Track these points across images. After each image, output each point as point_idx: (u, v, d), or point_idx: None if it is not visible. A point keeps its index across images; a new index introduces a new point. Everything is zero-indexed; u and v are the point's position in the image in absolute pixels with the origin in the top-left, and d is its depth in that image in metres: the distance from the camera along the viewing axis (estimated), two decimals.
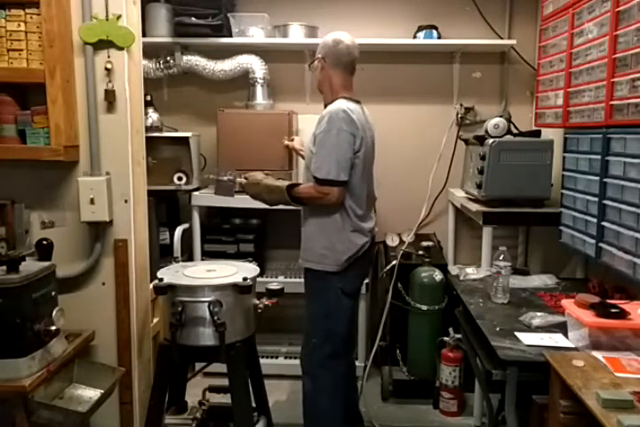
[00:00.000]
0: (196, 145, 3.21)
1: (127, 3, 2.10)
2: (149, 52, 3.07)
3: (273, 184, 2.25)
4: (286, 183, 2.23)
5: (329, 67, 2.26)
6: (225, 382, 2.07)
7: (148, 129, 2.81)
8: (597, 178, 2.23)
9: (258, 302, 2.12)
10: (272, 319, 3.15)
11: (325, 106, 2.27)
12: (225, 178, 2.41)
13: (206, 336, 1.97)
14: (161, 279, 1.99)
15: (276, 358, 3.31)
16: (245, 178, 2.33)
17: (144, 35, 2.63)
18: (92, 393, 2.01)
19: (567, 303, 1.85)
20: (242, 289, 1.98)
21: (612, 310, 1.71)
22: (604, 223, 2.19)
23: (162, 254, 3.06)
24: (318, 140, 2.15)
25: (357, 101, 2.29)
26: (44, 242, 2.01)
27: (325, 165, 2.12)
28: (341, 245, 2.20)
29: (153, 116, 3.16)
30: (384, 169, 3.02)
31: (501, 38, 3.37)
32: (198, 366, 2.39)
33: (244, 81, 3.38)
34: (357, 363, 2.67)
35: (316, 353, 2.26)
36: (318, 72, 2.30)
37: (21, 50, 1.98)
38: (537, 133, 2.85)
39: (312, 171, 2.15)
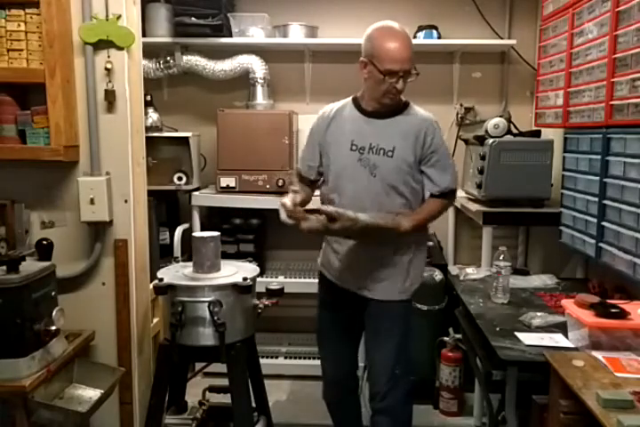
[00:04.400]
0: (195, 145, 3.21)
1: (127, 3, 2.10)
2: (149, 52, 3.07)
3: (376, 224, 1.93)
4: (397, 220, 1.97)
5: None
6: (225, 382, 2.07)
7: (148, 129, 2.81)
8: (597, 178, 2.23)
9: (258, 302, 2.11)
10: (272, 319, 3.15)
11: (389, 111, 2.03)
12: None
13: (206, 336, 1.97)
14: (161, 279, 1.99)
15: (276, 358, 3.31)
16: (335, 218, 1.86)
17: (144, 35, 2.63)
18: (92, 393, 2.01)
19: (567, 303, 1.85)
20: (242, 289, 1.98)
21: (612, 310, 1.71)
22: (604, 223, 2.19)
23: (162, 254, 3.06)
24: (442, 152, 2.05)
25: None
26: (44, 242, 2.01)
27: (455, 176, 2.10)
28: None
29: (153, 116, 3.16)
30: None
31: (501, 38, 3.37)
32: (198, 366, 2.39)
33: (244, 81, 3.38)
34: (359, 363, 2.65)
35: (398, 388, 2.07)
36: (410, 80, 2.01)
37: (21, 50, 1.98)
38: (537, 133, 2.86)
39: (448, 184, 2.05)
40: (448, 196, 2.10)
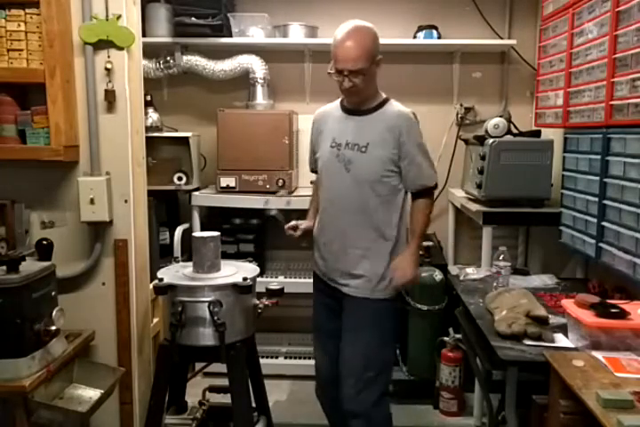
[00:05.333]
0: (195, 145, 3.21)
1: (127, 3, 2.10)
2: (149, 52, 3.07)
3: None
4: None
5: (378, 63, 2.02)
6: (225, 382, 2.07)
7: (148, 129, 2.81)
8: (597, 178, 2.23)
9: (258, 302, 2.12)
10: (272, 319, 3.15)
11: (366, 108, 2.07)
12: None
13: (206, 336, 1.97)
14: (161, 279, 1.99)
15: (276, 358, 3.31)
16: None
17: (144, 35, 2.63)
18: (91, 393, 2.01)
19: (567, 303, 1.85)
20: (242, 289, 1.98)
21: (612, 310, 1.71)
22: (604, 223, 2.19)
23: (162, 254, 3.06)
24: (420, 149, 2.05)
25: None
26: (44, 242, 2.01)
27: (433, 171, 2.10)
28: None
29: (153, 116, 3.16)
30: None
31: (501, 38, 3.37)
32: (198, 366, 2.39)
33: (244, 81, 3.38)
34: None
35: (370, 390, 2.06)
36: (371, 74, 2.01)
37: (21, 50, 1.98)
38: (537, 133, 2.86)
39: (424, 181, 2.08)
40: (424, 194, 2.10)
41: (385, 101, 2.09)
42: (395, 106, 2.09)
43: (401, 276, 2.05)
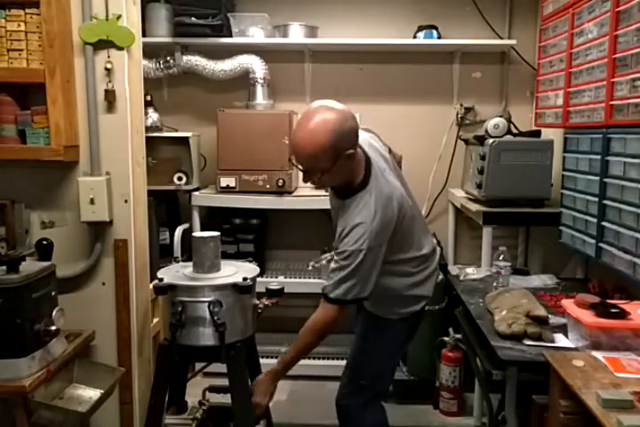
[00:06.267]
0: (196, 145, 3.21)
1: (127, 3, 2.09)
2: (149, 52, 3.07)
3: None
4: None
5: (352, 157, 1.76)
6: (225, 382, 2.07)
7: (148, 129, 2.81)
8: (597, 178, 2.23)
9: (258, 302, 2.11)
10: (272, 319, 3.14)
11: (341, 194, 1.89)
12: None
13: (206, 336, 1.97)
14: (161, 279, 1.98)
15: (276, 358, 3.29)
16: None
17: (144, 35, 2.63)
18: (91, 393, 2.01)
19: (567, 303, 1.85)
20: (242, 289, 1.98)
21: (612, 310, 1.71)
22: (604, 223, 2.19)
23: (162, 254, 3.06)
24: (343, 258, 1.79)
25: (367, 160, 1.85)
26: (44, 242, 2.00)
27: (338, 287, 1.83)
28: None
29: (153, 116, 3.16)
30: None
31: (501, 38, 3.37)
32: (198, 366, 2.39)
33: (244, 81, 3.38)
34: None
35: (360, 395, 2.08)
36: (342, 173, 1.78)
37: (21, 50, 1.97)
38: (537, 133, 2.86)
39: (327, 287, 1.86)
40: (324, 301, 1.87)
41: (359, 188, 1.82)
42: (362, 201, 1.80)
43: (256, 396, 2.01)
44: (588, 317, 1.71)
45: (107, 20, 2.05)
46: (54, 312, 1.87)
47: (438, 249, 2.18)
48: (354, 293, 1.82)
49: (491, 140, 2.73)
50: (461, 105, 3.44)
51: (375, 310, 2.06)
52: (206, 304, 1.93)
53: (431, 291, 2.08)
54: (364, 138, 1.92)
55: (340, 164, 1.73)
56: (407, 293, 2.01)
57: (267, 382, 2.04)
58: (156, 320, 2.46)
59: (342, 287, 1.81)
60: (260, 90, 3.32)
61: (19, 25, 1.97)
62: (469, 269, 2.68)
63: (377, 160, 1.90)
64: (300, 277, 3.29)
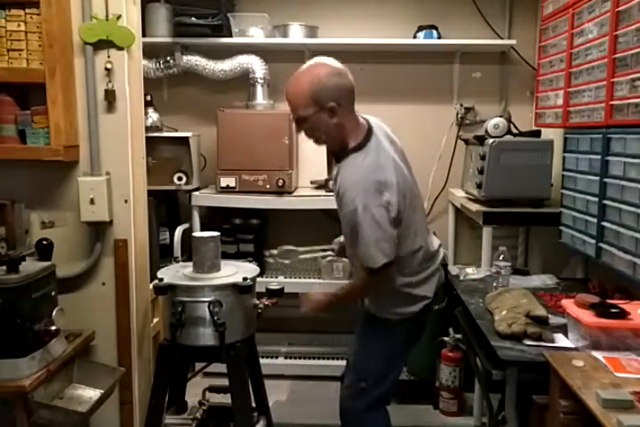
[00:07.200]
0: (196, 145, 3.21)
1: (127, 3, 2.10)
2: (149, 52, 3.07)
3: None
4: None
5: (343, 114, 1.82)
6: (225, 382, 2.07)
7: (147, 129, 2.81)
8: (597, 178, 2.23)
9: (258, 302, 2.12)
10: (272, 319, 3.15)
11: (338, 158, 1.93)
12: None
13: (206, 336, 1.97)
14: (161, 279, 1.99)
15: (276, 358, 3.31)
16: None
17: (144, 35, 2.63)
18: (92, 393, 2.01)
19: (567, 303, 1.85)
20: (242, 289, 1.98)
21: (612, 310, 1.71)
22: (604, 223, 2.19)
23: (162, 254, 3.06)
24: (356, 224, 1.79)
25: (368, 129, 1.92)
26: (44, 242, 2.01)
27: (369, 252, 1.81)
28: None
29: (153, 116, 3.15)
30: None
31: (501, 38, 3.37)
32: (198, 366, 2.39)
33: (244, 81, 3.38)
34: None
35: (362, 398, 2.06)
36: (328, 128, 1.84)
37: (21, 50, 1.98)
38: (537, 133, 2.86)
39: (366, 261, 1.84)
40: (372, 272, 1.84)
41: (353, 150, 1.86)
42: (353, 160, 1.84)
43: (303, 304, 2.07)
44: (587, 317, 1.71)
45: (107, 20, 2.05)
46: (54, 312, 1.87)
47: (442, 251, 2.19)
48: (381, 258, 1.80)
49: (491, 140, 2.73)
50: (461, 105, 3.43)
51: (374, 310, 2.05)
52: (206, 304, 1.94)
53: (432, 291, 2.06)
54: (379, 124, 2.01)
55: (321, 116, 1.81)
56: (405, 290, 2.00)
57: (319, 295, 2.04)
58: (156, 320, 2.46)
59: (371, 254, 1.80)
60: (259, 90, 3.32)
61: (19, 25, 1.97)
62: (469, 269, 2.68)
63: (383, 140, 1.93)
64: (299, 278, 3.28)
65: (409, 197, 1.92)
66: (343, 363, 2.29)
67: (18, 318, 1.76)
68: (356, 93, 1.91)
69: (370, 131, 1.92)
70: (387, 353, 2.05)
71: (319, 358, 3.30)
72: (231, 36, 3.25)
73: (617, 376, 1.52)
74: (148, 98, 3.07)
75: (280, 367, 3.22)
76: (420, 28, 3.29)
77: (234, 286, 1.98)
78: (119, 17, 2.06)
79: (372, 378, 2.05)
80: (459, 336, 2.75)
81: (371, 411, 2.07)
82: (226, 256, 3.16)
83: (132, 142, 2.16)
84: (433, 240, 2.16)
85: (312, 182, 3.28)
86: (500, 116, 2.87)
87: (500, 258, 2.36)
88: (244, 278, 1.99)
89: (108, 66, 2.07)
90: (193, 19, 3.13)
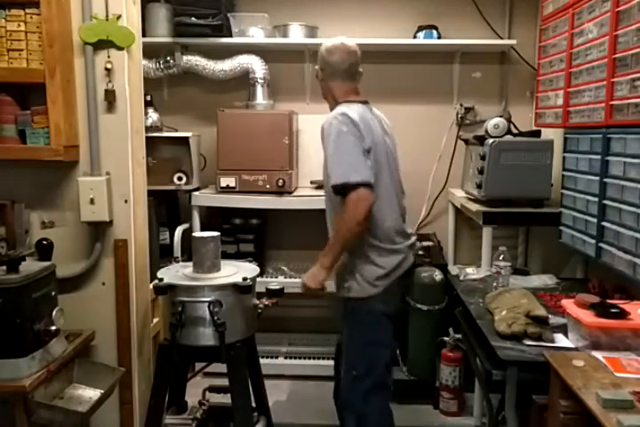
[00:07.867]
0: (195, 145, 3.21)
1: (127, 3, 2.10)
2: (149, 52, 3.07)
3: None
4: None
5: (327, 78, 2.20)
6: (225, 382, 2.07)
7: (147, 129, 2.81)
8: (597, 178, 2.23)
9: (258, 302, 2.12)
10: (272, 319, 3.15)
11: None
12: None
13: (206, 336, 1.97)
14: (161, 279, 1.99)
15: (276, 358, 3.31)
16: None
17: (144, 35, 2.63)
18: (91, 393, 2.01)
19: (567, 303, 1.85)
20: (242, 289, 1.98)
21: (612, 310, 1.71)
22: (604, 223, 2.19)
23: (162, 254, 3.06)
24: (328, 145, 2.03)
25: (364, 102, 2.19)
26: (44, 242, 2.01)
27: (339, 169, 1.98)
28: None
29: (153, 116, 3.16)
30: None
31: (501, 38, 3.37)
32: (198, 366, 2.39)
33: (244, 81, 3.38)
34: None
35: (356, 387, 2.12)
36: (320, 82, 2.25)
37: (21, 50, 1.98)
38: (537, 133, 2.85)
39: (335, 179, 1.98)
40: (341, 192, 1.98)
41: (339, 104, 2.15)
42: (338, 107, 2.13)
43: (302, 287, 2.13)
44: (587, 317, 1.71)
45: (107, 20, 2.05)
46: (54, 312, 1.87)
47: (417, 243, 2.34)
48: (352, 174, 1.95)
49: (491, 141, 2.73)
50: (461, 105, 3.44)
51: (347, 292, 2.11)
52: (206, 304, 1.94)
53: (393, 267, 2.11)
54: (380, 114, 2.28)
55: (321, 74, 2.22)
56: (371, 255, 2.08)
57: (315, 268, 2.09)
58: (155, 320, 2.46)
59: (340, 171, 1.97)
60: (259, 90, 3.32)
61: (19, 25, 1.97)
62: (469, 269, 2.68)
63: (373, 119, 2.15)
64: (299, 278, 3.28)
65: (385, 162, 2.11)
66: None
67: (18, 318, 1.75)
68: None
69: (363, 103, 2.18)
70: (365, 338, 2.11)
71: (319, 358, 3.30)
72: (231, 36, 3.25)
73: (617, 376, 1.52)
74: (148, 98, 3.07)
75: (280, 367, 3.22)
76: (420, 28, 3.30)
77: (234, 286, 1.98)
78: (119, 17, 2.06)
79: (360, 365, 2.10)
80: (459, 336, 2.75)
81: (369, 398, 2.10)
82: (226, 256, 3.16)
83: (132, 142, 2.16)
84: (408, 227, 2.27)
85: (312, 182, 3.28)
86: (500, 116, 2.87)
87: (500, 258, 2.36)
88: (244, 278, 1.99)
89: (108, 66, 2.07)
90: (193, 19, 3.13)
